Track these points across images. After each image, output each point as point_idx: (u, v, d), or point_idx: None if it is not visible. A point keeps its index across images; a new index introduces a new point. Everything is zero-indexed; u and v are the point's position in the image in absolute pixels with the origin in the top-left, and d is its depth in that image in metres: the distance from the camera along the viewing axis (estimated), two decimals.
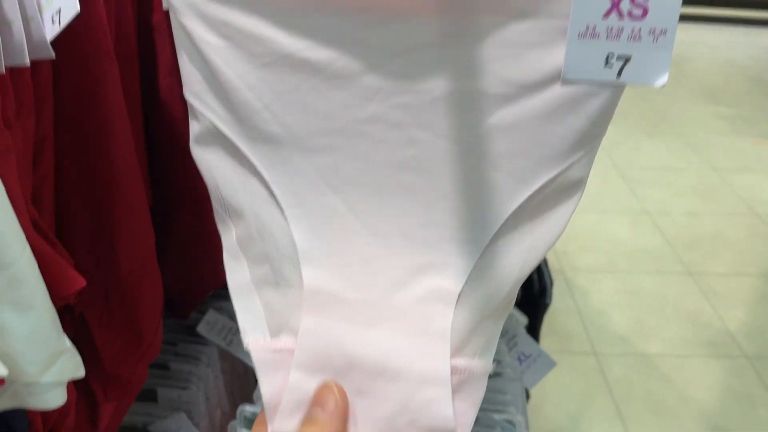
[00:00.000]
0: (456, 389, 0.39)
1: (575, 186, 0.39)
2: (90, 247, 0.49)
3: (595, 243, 2.02)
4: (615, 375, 1.56)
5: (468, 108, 0.38)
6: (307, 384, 0.40)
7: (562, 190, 0.39)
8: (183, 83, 0.41)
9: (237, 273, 0.43)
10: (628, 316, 1.76)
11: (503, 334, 0.71)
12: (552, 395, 1.48)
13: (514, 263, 0.40)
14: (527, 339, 0.71)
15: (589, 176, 0.40)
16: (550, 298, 0.87)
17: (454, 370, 0.39)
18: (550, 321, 1.66)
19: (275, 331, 0.41)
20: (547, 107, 0.37)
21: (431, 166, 0.39)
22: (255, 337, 0.42)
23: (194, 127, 0.42)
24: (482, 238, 0.39)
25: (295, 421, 0.39)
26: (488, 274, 0.40)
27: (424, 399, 0.39)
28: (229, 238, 0.44)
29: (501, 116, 0.37)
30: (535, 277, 0.88)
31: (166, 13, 0.57)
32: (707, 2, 4.18)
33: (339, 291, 0.40)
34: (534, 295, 0.86)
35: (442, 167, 0.39)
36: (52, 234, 0.46)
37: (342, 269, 0.40)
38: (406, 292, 0.40)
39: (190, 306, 0.73)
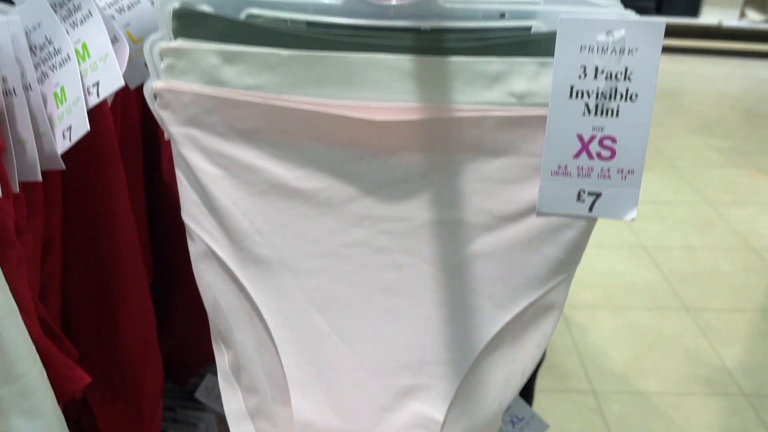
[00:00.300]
0: None
1: (553, 309, 0.42)
2: (94, 334, 0.52)
3: (592, 278, 2.02)
4: (614, 413, 1.56)
5: (449, 236, 0.40)
6: None
7: (540, 313, 0.41)
8: (181, 206, 0.44)
9: (232, 400, 0.46)
10: (626, 353, 1.77)
11: None
12: None
13: (497, 387, 0.42)
14: (519, 402, 0.73)
15: None
16: (543, 354, 0.88)
17: None
18: (548, 359, 1.67)
19: None
20: (524, 237, 0.39)
21: (414, 289, 0.41)
22: None
23: (192, 248, 0.44)
24: (464, 361, 0.41)
25: None
26: (471, 398, 0.41)
27: None
28: (223, 364, 0.46)
29: (481, 244, 0.40)
30: None
31: None
32: (701, 35, 4.24)
33: (327, 421, 0.42)
34: None
35: (425, 291, 0.41)
36: (58, 325, 0.49)
37: (329, 395, 0.42)
38: (391, 420, 0.42)
39: (189, 372, 0.75)
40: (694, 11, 4.11)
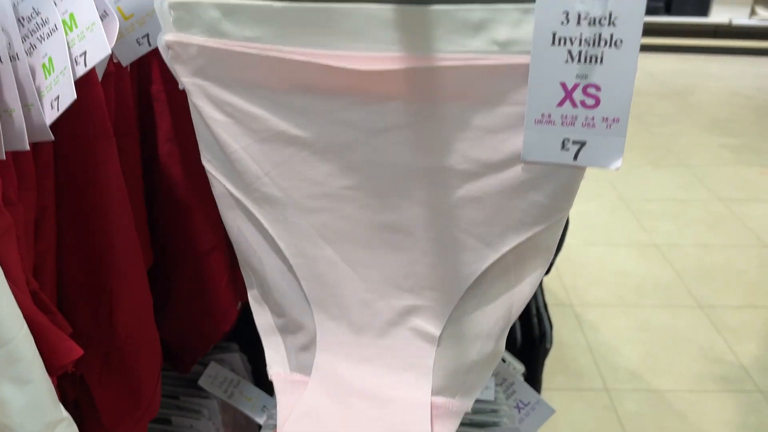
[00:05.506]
0: (434, 419, 0.46)
1: (544, 251, 0.44)
2: (90, 311, 0.52)
3: (603, 276, 2.01)
4: (627, 411, 1.54)
5: (438, 181, 0.41)
6: (315, 401, 0.48)
7: (530, 254, 0.43)
8: (200, 150, 0.47)
9: (262, 317, 0.51)
10: (639, 351, 1.75)
11: (500, 383, 0.72)
12: None
13: (488, 317, 0.45)
14: (525, 387, 0.72)
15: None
16: (551, 342, 0.88)
17: (433, 405, 0.47)
18: (560, 357, 1.65)
19: (293, 367, 0.50)
20: (509, 184, 0.40)
21: (410, 227, 0.44)
22: (277, 370, 0.51)
23: (214, 191, 0.48)
24: (457, 289, 0.45)
25: (301, 426, 0.48)
26: (464, 322, 0.46)
27: (408, 421, 0.46)
28: (252, 287, 0.51)
29: (468, 189, 0.41)
30: (535, 321, 0.89)
31: (164, 84, 0.60)
32: (711, 34, 4.22)
33: (343, 333, 0.48)
34: (534, 340, 0.87)
35: (419, 229, 0.44)
36: (53, 302, 0.49)
37: (343, 311, 0.47)
38: (396, 332, 0.47)
39: (192, 359, 0.75)
40: (704, 10, 4.08)
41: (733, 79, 3.76)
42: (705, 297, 1.90)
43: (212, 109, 0.44)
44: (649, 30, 4.40)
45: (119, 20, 0.47)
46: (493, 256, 0.43)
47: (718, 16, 4.11)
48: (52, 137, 0.42)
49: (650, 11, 4.14)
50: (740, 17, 4.10)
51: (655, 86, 3.51)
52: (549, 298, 1.87)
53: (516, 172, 0.39)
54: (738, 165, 2.68)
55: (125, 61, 0.50)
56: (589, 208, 2.28)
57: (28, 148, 0.40)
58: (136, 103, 0.57)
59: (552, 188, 0.39)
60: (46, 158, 0.45)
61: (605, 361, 1.73)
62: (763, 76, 3.84)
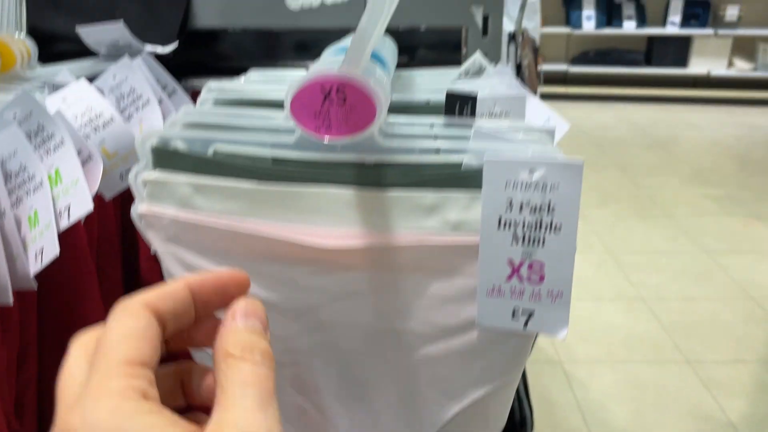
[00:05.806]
0: None
1: (503, 397, 0.45)
2: None
3: (592, 332, 2.01)
4: None
5: (400, 342, 0.44)
6: None
7: (494, 400, 0.45)
8: None
9: None
10: (629, 409, 1.74)
11: None
12: None
13: None
14: None
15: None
16: (532, 427, 0.89)
17: None
18: (550, 417, 1.65)
19: None
20: (468, 347, 0.42)
21: (375, 381, 0.46)
22: None
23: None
24: None
25: None
26: None
27: None
28: None
29: (428, 350, 0.43)
30: (516, 406, 0.90)
31: None
32: (691, 84, 4.32)
33: None
34: (515, 425, 0.88)
35: (384, 384, 0.46)
36: None
37: None
38: None
39: None
40: (683, 61, 4.19)
41: (713, 129, 3.84)
42: (692, 352, 1.90)
43: (184, 274, 0.45)
44: (630, 81, 4.51)
45: (103, 159, 0.49)
46: (456, 407, 0.45)
47: (696, 67, 4.21)
48: (36, 287, 0.44)
49: (631, 63, 4.25)
50: (718, 68, 4.21)
51: (639, 136, 3.58)
52: (538, 356, 1.87)
53: (472, 336, 0.42)
54: (721, 216, 2.72)
55: (108, 194, 0.53)
56: (576, 261, 2.30)
57: (11, 303, 0.42)
58: (119, 225, 0.59)
59: (507, 350, 0.42)
60: (29, 300, 0.47)
61: (595, 419, 1.72)
62: (742, 125, 3.92)
